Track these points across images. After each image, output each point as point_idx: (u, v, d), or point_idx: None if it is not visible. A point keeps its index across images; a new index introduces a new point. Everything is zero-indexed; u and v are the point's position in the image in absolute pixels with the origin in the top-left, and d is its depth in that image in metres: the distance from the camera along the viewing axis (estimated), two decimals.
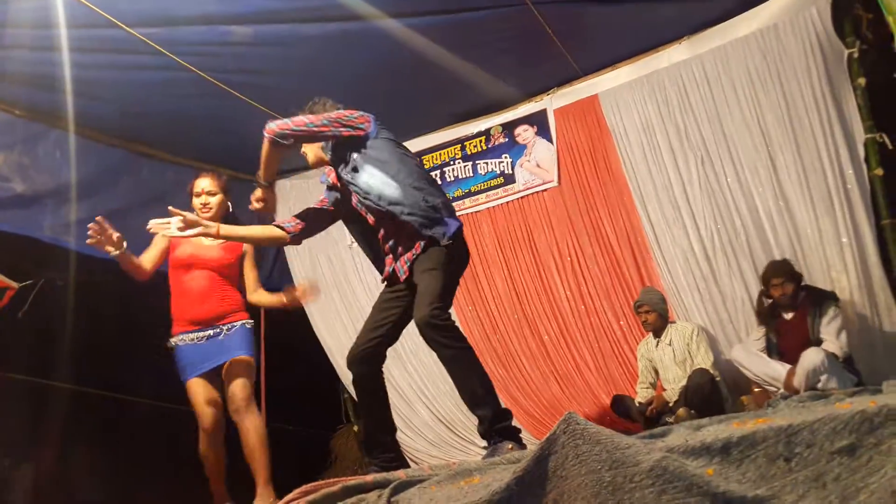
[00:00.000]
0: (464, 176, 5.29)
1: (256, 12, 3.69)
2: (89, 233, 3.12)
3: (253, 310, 3.59)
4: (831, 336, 3.75)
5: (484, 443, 2.93)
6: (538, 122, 5.04)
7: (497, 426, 2.79)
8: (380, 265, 3.17)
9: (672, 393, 4.20)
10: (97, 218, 3.16)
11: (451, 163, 5.32)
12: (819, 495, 1.42)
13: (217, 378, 3.40)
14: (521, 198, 5.12)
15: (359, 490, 2.04)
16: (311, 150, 3.23)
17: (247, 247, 3.55)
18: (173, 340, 3.40)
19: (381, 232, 3.05)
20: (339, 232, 5.67)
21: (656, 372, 4.41)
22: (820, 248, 4.12)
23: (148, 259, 3.42)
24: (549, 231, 5.03)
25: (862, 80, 4.00)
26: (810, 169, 4.15)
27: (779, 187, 4.26)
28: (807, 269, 4.17)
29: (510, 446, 2.71)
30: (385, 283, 3.11)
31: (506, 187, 5.15)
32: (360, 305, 5.57)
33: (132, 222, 4.76)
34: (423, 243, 2.89)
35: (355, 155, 3.01)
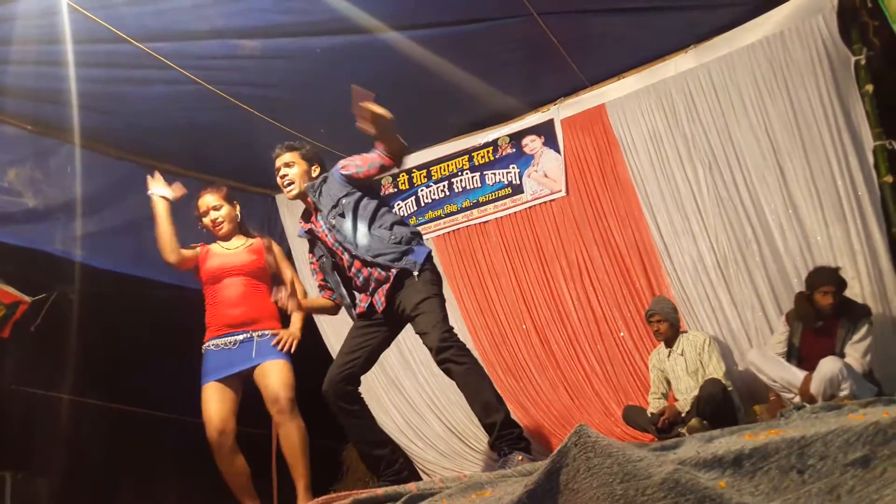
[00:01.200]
0: (472, 187, 5.30)
1: (263, 26, 3.73)
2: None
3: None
4: (857, 354, 3.71)
5: (495, 455, 2.94)
6: (545, 132, 5.04)
7: (507, 435, 2.83)
8: (350, 301, 3.20)
9: (684, 403, 4.17)
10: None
11: (459, 174, 5.33)
12: None
13: (239, 384, 3.40)
14: (530, 208, 5.11)
15: (370, 503, 2.04)
16: (299, 184, 3.21)
17: (276, 248, 3.62)
18: (205, 346, 3.41)
19: (353, 269, 3.11)
20: None
21: (668, 382, 4.38)
22: (830, 256, 4.09)
23: (181, 252, 3.39)
24: (557, 241, 5.02)
25: (870, 87, 3.98)
26: (819, 176, 4.13)
27: (788, 195, 4.24)
28: None
29: (520, 458, 2.72)
30: (361, 317, 3.17)
31: (514, 197, 5.15)
32: None
33: (142, 235, 4.83)
34: (395, 273, 3.03)
35: (344, 200, 3.09)
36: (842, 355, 3.72)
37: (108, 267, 4.57)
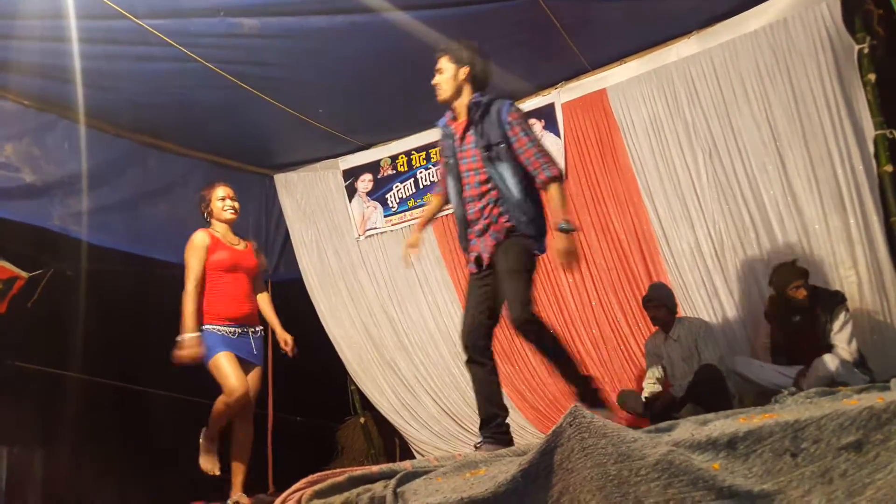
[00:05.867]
0: None
1: (264, 4, 3.70)
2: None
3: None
4: (843, 342, 3.73)
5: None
6: (546, 115, 5.02)
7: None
8: (464, 240, 3.28)
9: (679, 388, 4.19)
10: None
11: None
12: (825, 490, 1.42)
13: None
14: None
15: (365, 481, 2.05)
16: (445, 89, 3.26)
17: (261, 260, 3.90)
18: (204, 328, 3.52)
19: (477, 208, 3.16)
20: (346, 224, 5.71)
21: (664, 367, 4.40)
22: (829, 245, 4.10)
23: (198, 280, 3.54)
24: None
25: (872, 76, 3.97)
26: (819, 165, 4.13)
27: (787, 183, 4.24)
28: (815, 265, 4.16)
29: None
30: (471, 266, 3.24)
31: None
32: (367, 298, 5.59)
33: (140, 212, 4.82)
34: (506, 230, 3.10)
35: (502, 146, 3.11)
36: (829, 347, 3.74)
37: (105, 244, 4.56)
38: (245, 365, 3.55)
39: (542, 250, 3.20)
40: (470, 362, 3.16)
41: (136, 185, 4.81)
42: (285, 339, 3.77)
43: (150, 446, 4.87)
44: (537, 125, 5.02)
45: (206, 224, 3.71)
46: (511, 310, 3.01)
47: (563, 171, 3.18)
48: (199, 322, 3.48)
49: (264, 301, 3.82)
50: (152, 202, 4.90)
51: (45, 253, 4.60)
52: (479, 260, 3.18)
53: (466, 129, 3.20)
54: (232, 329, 3.55)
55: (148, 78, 4.17)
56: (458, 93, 3.23)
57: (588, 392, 3.16)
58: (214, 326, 3.52)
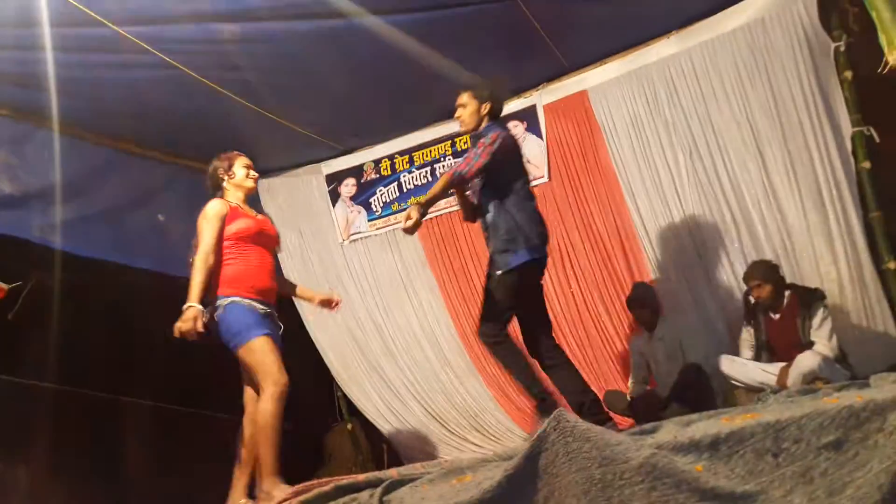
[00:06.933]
0: None
1: (243, 10, 3.68)
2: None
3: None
4: (823, 339, 3.77)
5: (476, 439, 3.08)
6: (527, 117, 5.03)
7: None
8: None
9: (664, 388, 4.21)
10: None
11: (442, 159, 5.32)
12: (806, 490, 1.44)
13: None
14: None
15: (351, 489, 2.05)
16: (467, 123, 3.64)
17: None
18: (231, 299, 3.15)
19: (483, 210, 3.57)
20: (329, 229, 5.69)
21: (649, 367, 4.42)
22: (809, 242, 4.14)
23: (211, 250, 3.19)
24: None
25: (849, 74, 4.02)
26: (798, 162, 4.17)
27: (768, 181, 4.28)
28: (797, 262, 4.20)
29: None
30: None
31: None
32: (351, 302, 5.57)
33: (121, 221, 4.78)
34: (491, 250, 3.49)
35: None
36: (810, 343, 3.78)
37: (87, 254, 4.51)
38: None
39: (519, 261, 3.37)
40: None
41: (116, 194, 4.77)
42: (330, 298, 3.60)
43: (131, 456, 4.83)
44: (520, 127, 5.03)
45: (213, 196, 3.42)
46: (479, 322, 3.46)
47: (464, 175, 3.33)
48: (207, 295, 3.10)
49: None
50: (133, 210, 4.86)
51: (25, 264, 4.54)
52: None
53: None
54: (262, 306, 3.20)
55: (127, 85, 4.14)
56: (478, 125, 3.59)
57: (548, 408, 3.22)
58: (246, 299, 3.15)
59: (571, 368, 3.50)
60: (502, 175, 3.42)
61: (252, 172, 3.51)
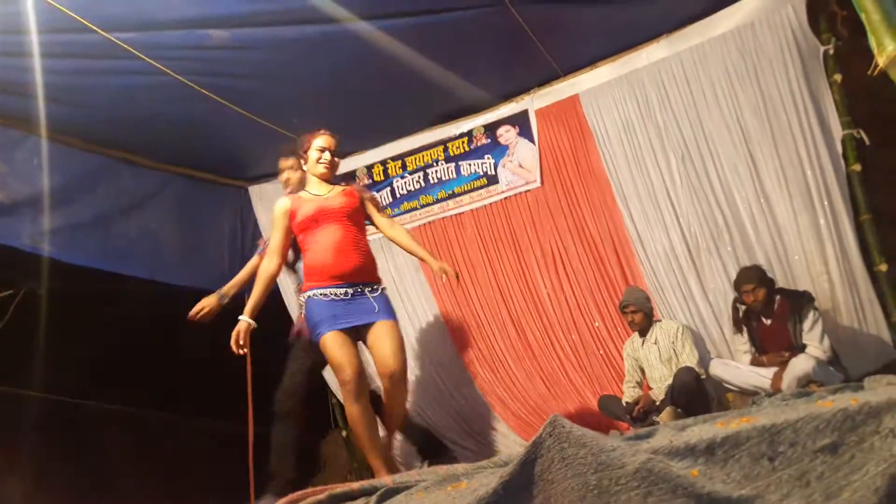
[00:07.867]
0: (447, 177, 5.28)
1: (233, 16, 3.66)
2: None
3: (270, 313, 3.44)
4: (815, 341, 3.78)
5: (475, 444, 3.02)
6: (520, 122, 5.04)
7: None
8: None
9: (658, 392, 4.21)
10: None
11: (435, 164, 5.32)
12: (803, 494, 1.43)
13: (355, 339, 3.16)
14: (505, 199, 5.12)
15: (345, 498, 2.03)
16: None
17: (366, 193, 3.47)
18: (307, 294, 3.14)
19: None
20: None
21: (642, 371, 4.42)
22: (800, 244, 4.16)
23: (275, 253, 3.19)
24: (532, 231, 5.04)
25: (838, 77, 4.04)
26: (788, 165, 4.19)
27: (759, 184, 4.29)
28: (788, 264, 4.21)
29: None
30: None
31: (489, 188, 5.15)
32: None
33: (112, 229, 4.75)
34: None
35: None
36: (802, 347, 3.79)
37: (77, 262, 4.48)
38: (363, 330, 3.11)
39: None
40: None
41: (108, 201, 4.74)
42: (444, 269, 3.26)
43: (119, 464, 4.79)
44: (512, 132, 5.04)
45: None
46: None
47: None
48: (257, 308, 3.07)
49: (397, 234, 3.37)
50: (125, 218, 4.83)
51: (14, 273, 4.51)
52: None
53: None
54: (343, 290, 3.09)
55: (118, 92, 4.11)
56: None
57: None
58: (319, 290, 3.09)
59: None
60: None
61: (327, 156, 3.31)
